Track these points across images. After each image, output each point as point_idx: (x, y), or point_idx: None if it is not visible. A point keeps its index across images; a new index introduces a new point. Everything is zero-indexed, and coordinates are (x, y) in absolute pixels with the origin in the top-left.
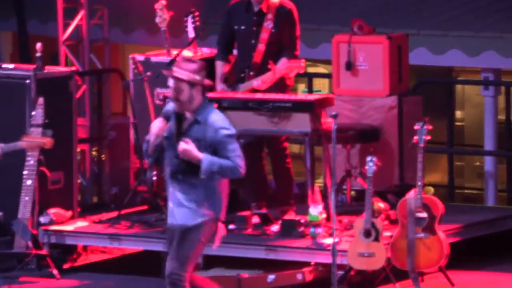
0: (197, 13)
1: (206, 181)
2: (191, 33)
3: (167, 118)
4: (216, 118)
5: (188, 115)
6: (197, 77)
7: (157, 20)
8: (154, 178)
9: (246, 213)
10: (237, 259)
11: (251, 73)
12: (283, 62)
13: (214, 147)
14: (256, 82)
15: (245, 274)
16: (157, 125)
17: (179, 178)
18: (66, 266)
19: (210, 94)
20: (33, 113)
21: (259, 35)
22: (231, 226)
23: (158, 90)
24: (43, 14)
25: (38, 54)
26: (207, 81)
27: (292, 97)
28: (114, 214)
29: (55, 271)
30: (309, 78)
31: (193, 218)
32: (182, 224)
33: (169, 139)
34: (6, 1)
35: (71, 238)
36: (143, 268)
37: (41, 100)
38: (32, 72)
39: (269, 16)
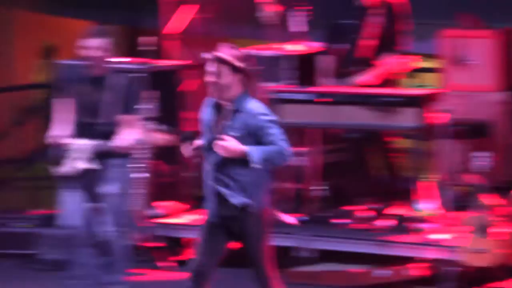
0: (302, 8)
1: (247, 174)
2: (295, 27)
3: (186, 139)
4: (255, 105)
5: (225, 105)
6: (240, 63)
7: (262, 14)
8: None
9: (355, 207)
10: (347, 253)
11: (356, 68)
12: (387, 57)
13: (256, 134)
14: (361, 77)
15: (354, 268)
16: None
17: (221, 172)
18: (179, 258)
19: (318, 89)
20: (146, 106)
21: (363, 30)
22: (340, 221)
23: (264, 84)
24: (154, 8)
25: (148, 48)
26: (250, 73)
27: (400, 91)
28: None
29: (168, 264)
30: (418, 72)
31: (241, 210)
32: (225, 217)
33: (209, 132)
34: None
35: (185, 232)
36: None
37: (154, 94)
38: (144, 66)
39: (373, 10)
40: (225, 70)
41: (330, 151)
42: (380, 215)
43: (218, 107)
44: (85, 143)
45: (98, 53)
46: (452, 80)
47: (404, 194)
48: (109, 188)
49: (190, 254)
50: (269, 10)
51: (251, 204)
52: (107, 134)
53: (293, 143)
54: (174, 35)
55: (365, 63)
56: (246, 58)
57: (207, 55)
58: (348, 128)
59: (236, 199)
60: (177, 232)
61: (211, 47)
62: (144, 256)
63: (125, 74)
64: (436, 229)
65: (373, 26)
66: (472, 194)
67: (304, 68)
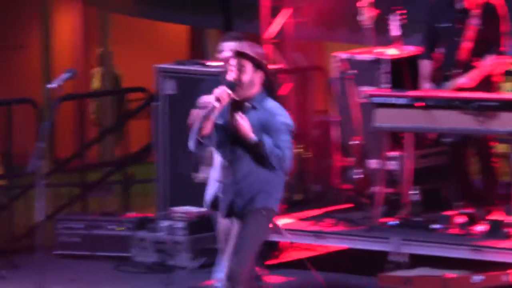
0: (401, 11)
1: (261, 172)
2: (395, 31)
3: (231, 87)
4: (275, 105)
5: (244, 102)
6: (262, 60)
7: (361, 18)
8: (359, 176)
9: (450, 212)
10: (441, 258)
11: (457, 71)
12: (489, 59)
13: (267, 132)
14: (461, 80)
15: (450, 274)
16: (220, 90)
17: (235, 168)
18: (269, 262)
19: (415, 93)
20: None
21: (464, 33)
22: (435, 226)
23: (362, 88)
24: (248, 12)
25: None
26: (269, 72)
27: (499, 95)
28: (318, 211)
29: (260, 267)
30: None
31: (249, 210)
32: (238, 216)
33: (222, 126)
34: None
35: (277, 235)
36: (348, 265)
37: None
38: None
39: (474, 13)
40: (247, 65)
41: (425, 155)
42: (475, 220)
43: (235, 104)
44: None
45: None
46: None
47: (502, 199)
48: None
49: (283, 257)
50: (366, 13)
51: (258, 207)
52: None
53: (388, 147)
54: (271, 39)
55: (466, 66)
56: (266, 57)
57: (226, 53)
58: (444, 132)
59: (244, 201)
60: (270, 236)
61: (306, 51)
62: None
63: None
64: None
65: (473, 28)
66: None
67: (401, 72)
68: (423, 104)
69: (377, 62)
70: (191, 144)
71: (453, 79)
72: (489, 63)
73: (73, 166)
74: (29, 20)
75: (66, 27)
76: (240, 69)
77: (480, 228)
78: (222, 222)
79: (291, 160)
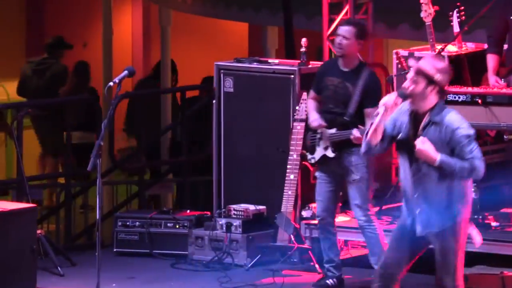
0: (462, 7)
1: (450, 182)
2: (456, 28)
3: (402, 97)
4: (453, 118)
5: (423, 115)
6: (438, 75)
7: (422, 14)
8: None
9: (510, 210)
10: (500, 256)
11: None
12: None
13: (452, 148)
14: None
15: (508, 272)
16: (390, 97)
17: (421, 182)
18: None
19: (474, 90)
20: (297, 107)
21: None
22: (494, 223)
23: None
24: (309, 9)
25: (303, 49)
26: (446, 85)
27: None
28: (375, 209)
29: (317, 265)
30: None
31: (441, 222)
32: (430, 230)
33: (404, 141)
34: None
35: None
36: None
37: (304, 95)
38: (297, 67)
39: None
40: (420, 79)
41: (485, 152)
42: None
43: (414, 116)
44: (332, 132)
45: (346, 43)
46: None
47: None
48: (352, 175)
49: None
50: (426, 10)
51: (447, 225)
52: (350, 125)
53: None
54: (333, 36)
55: None
56: (446, 71)
57: (411, 62)
58: (503, 129)
59: (430, 223)
60: None
61: (367, 48)
62: (296, 257)
63: (368, 69)
64: None
65: None
66: None
67: (460, 69)
68: (487, 101)
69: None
70: (362, 147)
71: None
72: None
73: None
74: (91, 18)
75: (127, 25)
76: (414, 82)
77: None
78: (402, 226)
79: (482, 167)
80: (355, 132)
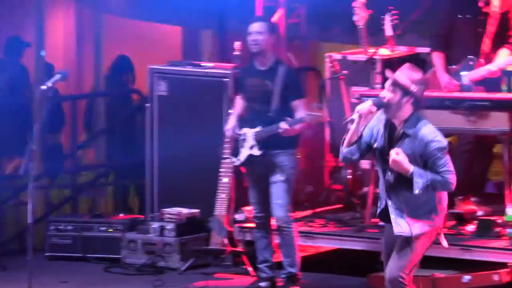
0: (395, 11)
1: (424, 192)
2: (388, 32)
3: (377, 105)
4: (428, 131)
5: (398, 125)
6: (413, 87)
7: (355, 18)
8: (349, 176)
9: None
10: (431, 258)
11: (481, 60)
12: (496, 56)
13: (425, 160)
14: (490, 68)
15: (439, 274)
16: (365, 105)
17: (395, 190)
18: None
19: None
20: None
21: (486, 23)
22: None
23: (354, 88)
24: (243, 12)
25: (236, 53)
26: (422, 97)
27: (490, 95)
28: (308, 212)
29: (250, 268)
30: (509, 76)
31: (414, 229)
32: (403, 234)
33: (379, 150)
34: (207, 0)
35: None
36: (337, 266)
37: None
38: (230, 71)
39: (496, 3)
40: (397, 89)
41: None
42: (464, 219)
43: (389, 126)
44: (257, 130)
45: (262, 38)
46: None
47: (494, 199)
48: (278, 176)
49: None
50: (358, 14)
51: (417, 232)
52: (276, 120)
53: None
54: None
55: (488, 56)
56: (422, 82)
57: (388, 73)
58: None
59: (405, 226)
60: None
61: (302, 51)
62: (229, 261)
63: (285, 64)
64: None
65: (495, 18)
66: None
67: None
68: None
69: (369, 62)
70: (340, 155)
71: (475, 69)
72: (498, 60)
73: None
74: (23, 21)
75: (59, 28)
76: (391, 92)
77: (470, 228)
78: (388, 234)
79: (454, 181)
80: (283, 125)
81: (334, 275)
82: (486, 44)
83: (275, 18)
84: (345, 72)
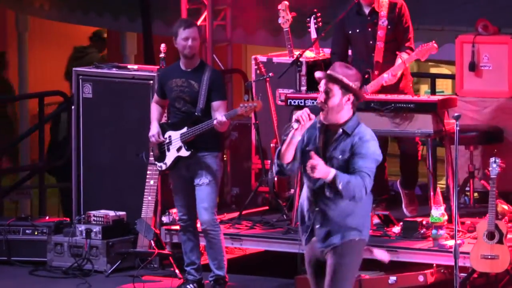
0: (319, 14)
1: (350, 201)
2: (313, 34)
3: (317, 111)
4: (366, 131)
5: (335, 128)
6: (352, 83)
7: (280, 20)
8: (275, 178)
9: None
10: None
11: (375, 72)
12: (403, 55)
13: (352, 154)
14: (386, 76)
15: (365, 275)
16: (303, 113)
17: (322, 196)
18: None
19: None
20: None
21: (375, 35)
22: None
23: (280, 90)
24: (168, 15)
25: (162, 55)
26: (361, 93)
27: (414, 98)
28: (235, 214)
29: (177, 271)
30: (432, 78)
31: (339, 237)
32: (329, 244)
33: (307, 153)
34: (132, 3)
35: None
36: (264, 268)
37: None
38: (156, 73)
39: (382, 13)
40: (335, 89)
41: None
42: (390, 221)
43: (324, 130)
44: (183, 131)
45: (197, 43)
46: (467, 86)
47: (418, 200)
48: (202, 178)
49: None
50: (283, 16)
51: (341, 242)
52: (203, 120)
53: None
54: None
55: (382, 67)
56: (358, 78)
57: (318, 73)
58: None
59: (329, 238)
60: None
61: (227, 53)
62: (156, 263)
63: (209, 66)
64: (447, 235)
65: (383, 29)
66: (483, 200)
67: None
68: None
69: (293, 64)
70: (273, 168)
71: (372, 81)
72: (406, 59)
73: None
74: None
75: None
76: (327, 93)
77: (396, 229)
78: (308, 247)
79: (368, 188)
80: (219, 117)
81: (261, 277)
82: (378, 55)
83: (200, 21)
84: (270, 74)
